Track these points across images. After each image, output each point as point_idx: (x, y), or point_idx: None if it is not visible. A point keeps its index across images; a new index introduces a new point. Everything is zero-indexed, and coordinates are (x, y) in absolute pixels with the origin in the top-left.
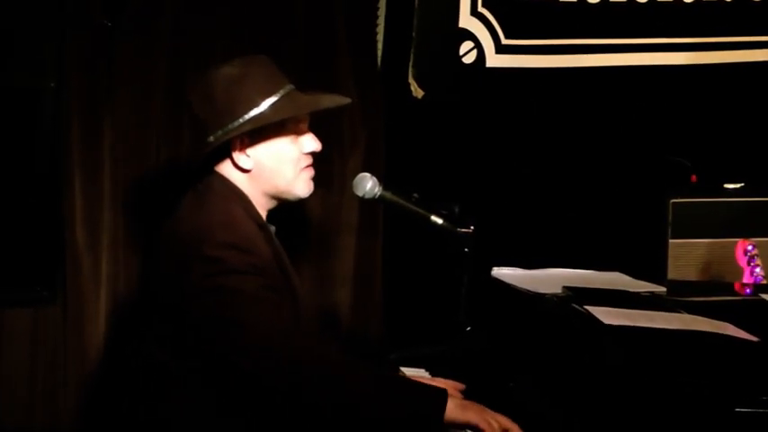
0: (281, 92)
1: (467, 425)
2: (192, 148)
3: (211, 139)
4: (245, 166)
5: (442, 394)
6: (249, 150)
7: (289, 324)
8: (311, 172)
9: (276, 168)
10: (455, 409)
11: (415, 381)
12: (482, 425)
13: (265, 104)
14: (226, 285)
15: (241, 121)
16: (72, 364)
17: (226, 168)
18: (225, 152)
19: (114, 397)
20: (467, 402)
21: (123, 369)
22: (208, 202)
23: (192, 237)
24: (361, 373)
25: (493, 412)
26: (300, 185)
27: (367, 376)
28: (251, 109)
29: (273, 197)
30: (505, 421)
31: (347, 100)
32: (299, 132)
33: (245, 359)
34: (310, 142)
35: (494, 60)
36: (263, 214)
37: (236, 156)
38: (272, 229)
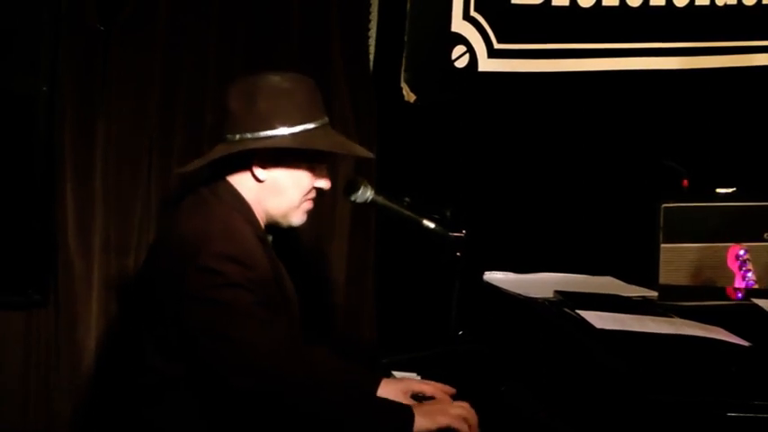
0: (320, 122)
1: (440, 429)
2: (217, 141)
3: (237, 137)
4: (260, 177)
5: (408, 413)
6: (270, 163)
7: (277, 342)
8: (311, 205)
9: (287, 190)
10: (423, 420)
11: (385, 400)
12: (455, 424)
13: (301, 128)
14: (220, 299)
15: (276, 133)
16: (64, 367)
17: (238, 174)
18: (244, 158)
19: (107, 400)
20: (430, 407)
21: (115, 371)
22: (210, 207)
23: (191, 242)
24: (338, 398)
25: (456, 403)
26: (299, 214)
27: (343, 401)
28: (288, 126)
29: (270, 216)
30: (468, 409)
31: (372, 155)
32: (317, 165)
33: (230, 373)
34: (324, 180)
35: (486, 65)
36: (262, 226)
37: (257, 163)
38: (270, 238)
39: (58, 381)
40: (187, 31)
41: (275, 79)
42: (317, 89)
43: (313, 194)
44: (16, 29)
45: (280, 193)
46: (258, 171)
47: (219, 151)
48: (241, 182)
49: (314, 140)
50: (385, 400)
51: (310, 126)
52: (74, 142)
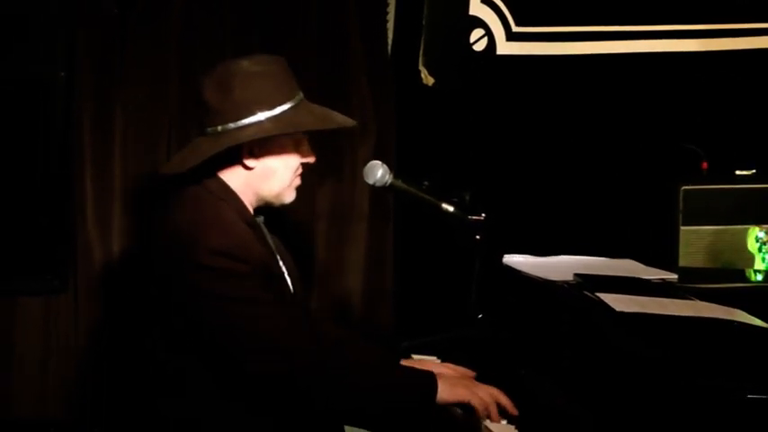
0: (297, 99)
1: (458, 403)
2: (202, 137)
3: (219, 129)
4: (250, 165)
5: (431, 380)
6: (258, 150)
7: (287, 322)
8: (300, 181)
9: (277, 172)
10: (445, 391)
11: (406, 367)
12: (473, 401)
13: (281, 109)
14: (222, 292)
15: (258, 119)
16: (83, 353)
17: (225, 164)
18: (232, 149)
19: (125, 387)
20: (455, 380)
21: (132, 359)
22: (198, 200)
23: (184, 240)
24: (359, 366)
25: (482, 385)
26: (290, 193)
27: (363, 372)
28: (269, 109)
29: (262, 199)
30: (495, 392)
31: (354, 123)
32: (302, 142)
33: (245, 361)
34: (310, 154)
35: (504, 48)
36: (251, 210)
37: (246, 153)
38: (261, 219)
39: (77, 367)
40: (203, 17)
41: (246, 64)
42: (288, 67)
43: (301, 170)
44: (33, 15)
45: (271, 177)
46: (248, 160)
47: (207, 146)
48: (230, 171)
49: (298, 120)
50: (406, 367)
51: (289, 105)
52: (93, 128)
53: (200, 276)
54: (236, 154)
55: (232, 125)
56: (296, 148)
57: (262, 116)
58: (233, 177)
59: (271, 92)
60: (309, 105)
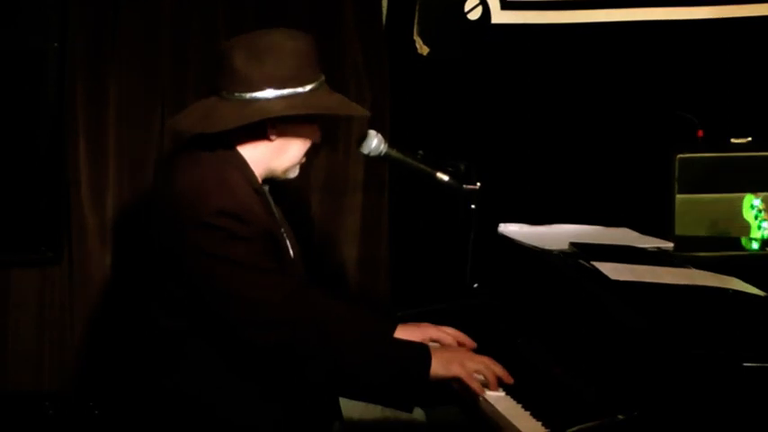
0: (321, 80)
1: (452, 379)
2: (219, 100)
3: (246, 96)
4: (271, 138)
5: (426, 355)
6: (281, 125)
7: (285, 291)
8: (305, 159)
9: (292, 149)
10: (439, 367)
11: (402, 340)
12: (466, 379)
13: (310, 87)
14: (223, 254)
15: (287, 94)
16: (78, 324)
17: (245, 132)
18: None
19: (120, 357)
20: (449, 355)
21: (128, 329)
22: (204, 161)
23: (188, 199)
24: (355, 340)
25: (476, 356)
26: (296, 170)
27: (359, 342)
28: (299, 86)
29: (271, 172)
30: (489, 362)
31: (369, 114)
32: (317, 122)
33: (242, 327)
34: (319, 135)
35: (499, 17)
36: (259, 180)
37: (270, 126)
38: (266, 188)
39: (72, 338)
40: None
41: (281, 37)
42: (315, 46)
43: (309, 150)
44: None
45: (285, 153)
46: (270, 133)
47: (230, 111)
48: (246, 139)
49: (325, 102)
50: (401, 340)
51: (315, 85)
52: (86, 99)
53: (203, 235)
54: (259, 125)
55: (260, 95)
56: (312, 129)
57: (291, 92)
58: (248, 146)
59: (300, 68)
60: (329, 90)
